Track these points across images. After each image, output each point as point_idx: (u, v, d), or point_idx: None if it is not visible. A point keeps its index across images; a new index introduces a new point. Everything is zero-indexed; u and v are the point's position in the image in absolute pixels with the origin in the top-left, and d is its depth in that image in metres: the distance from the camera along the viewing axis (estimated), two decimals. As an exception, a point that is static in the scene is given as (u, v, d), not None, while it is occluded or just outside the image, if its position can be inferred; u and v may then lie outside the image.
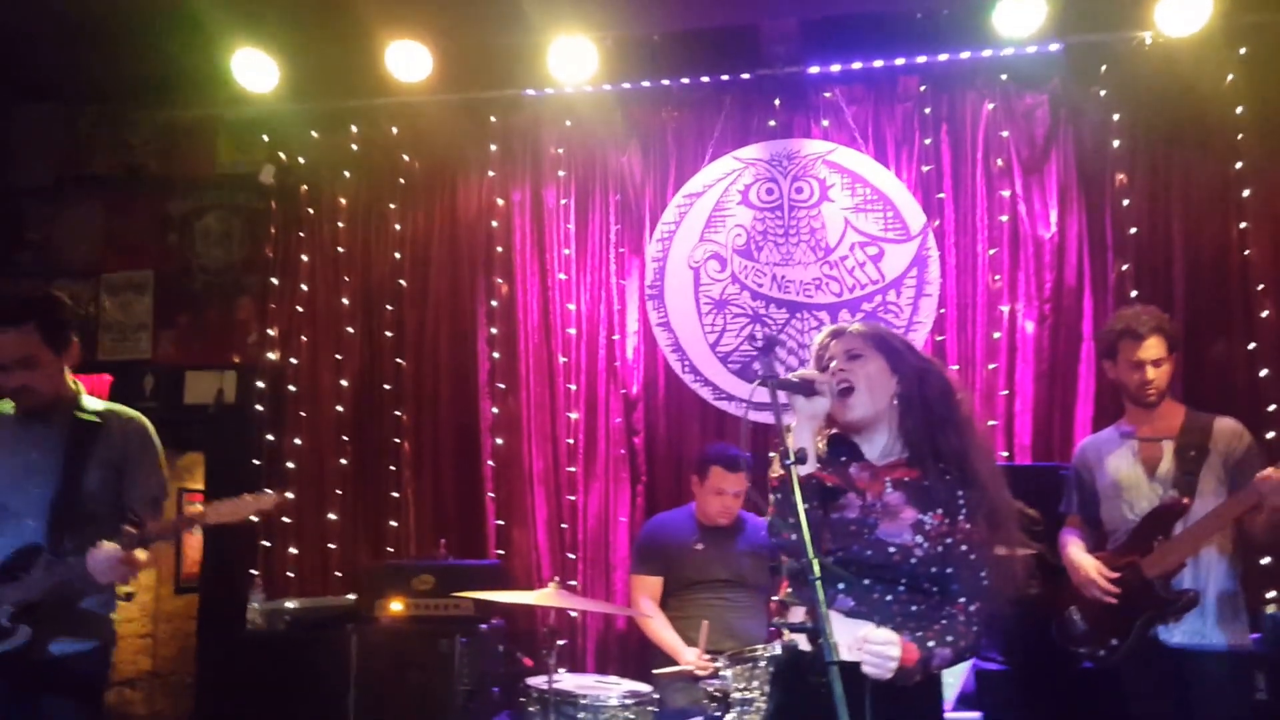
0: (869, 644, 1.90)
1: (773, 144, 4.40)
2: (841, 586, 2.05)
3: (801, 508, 1.94)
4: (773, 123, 4.43)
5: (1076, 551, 3.10)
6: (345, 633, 3.94)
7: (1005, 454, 4.08)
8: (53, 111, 5.02)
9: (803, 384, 2.12)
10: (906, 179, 4.33)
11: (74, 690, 2.76)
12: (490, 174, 4.64)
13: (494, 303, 4.59)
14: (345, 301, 4.71)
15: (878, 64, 4.37)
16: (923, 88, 4.37)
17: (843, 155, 4.34)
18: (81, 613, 2.77)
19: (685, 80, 4.46)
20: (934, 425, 2.11)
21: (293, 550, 4.59)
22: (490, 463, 4.49)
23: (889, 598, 2.05)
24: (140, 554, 2.70)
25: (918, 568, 2.04)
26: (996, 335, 4.18)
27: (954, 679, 3.42)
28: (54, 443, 2.79)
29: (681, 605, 3.79)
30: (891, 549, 2.04)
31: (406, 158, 4.72)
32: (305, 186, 4.79)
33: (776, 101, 4.44)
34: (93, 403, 2.90)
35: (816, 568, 1.91)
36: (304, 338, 4.73)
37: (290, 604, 4.30)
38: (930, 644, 1.96)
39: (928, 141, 4.34)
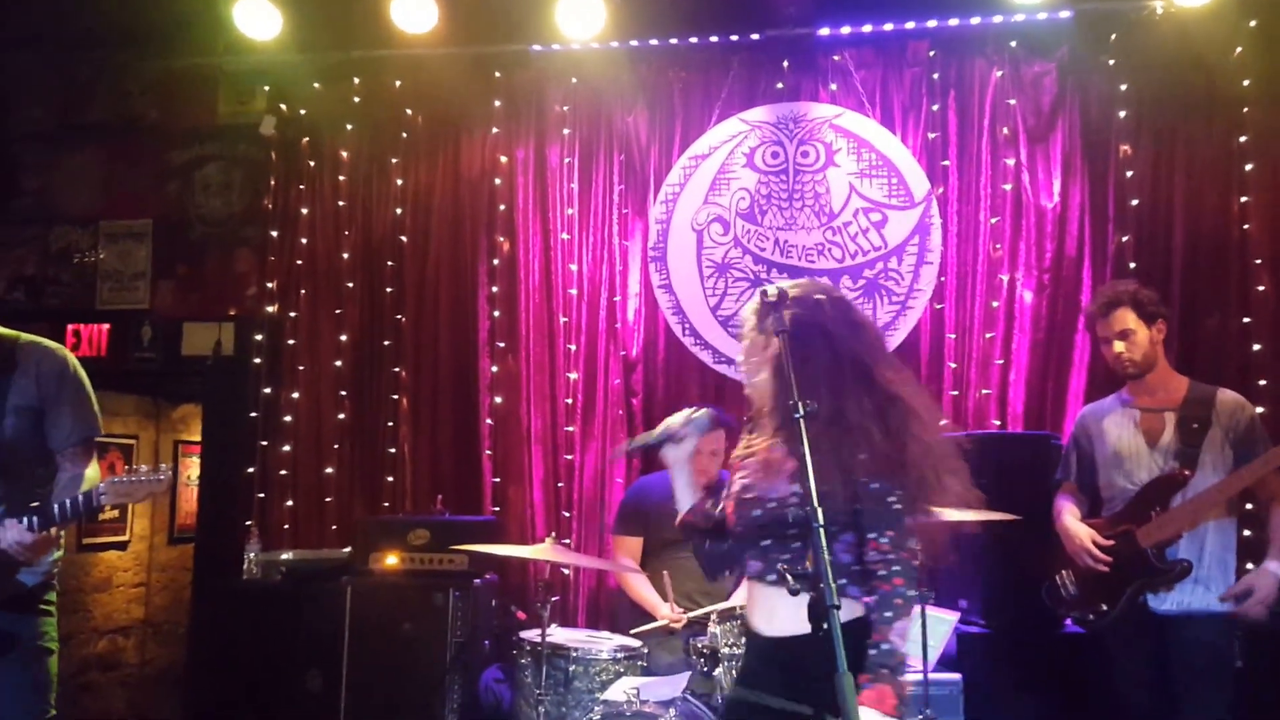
0: None
1: (779, 107, 4.34)
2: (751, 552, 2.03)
3: (809, 459, 1.88)
4: (780, 85, 4.37)
5: (1070, 519, 3.11)
6: (340, 585, 3.94)
7: (998, 422, 4.08)
8: (51, 58, 4.91)
9: (664, 437, 2.15)
10: (912, 145, 4.28)
11: (15, 661, 2.61)
12: (494, 130, 4.57)
13: (495, 261, 4.54)
14: (345, 256, 4.65)
15: (888, 27, 4.32)
16: (932, 53, 4.32)
17: (849, 120, 4.29)
18: (15, 583, 2.60)
19: (693, 40, 4.39)
20: (811, 365, 1.95)
21: (289, 503, 4.57)
22: (488, 421, 4.47)
23: (787, 556, 1.98)
24: (51, 532, 2.53)
25: (769, 518, 1.99)
26: (995, 304, 4.16)
27: (935, 641, 3.45)
28: None
29: (661, 564, 3.78)
30: (772, 503, 2.00)
31: (409, 112, 4.64)
32: (306, 139, 4.71)
33: (785, 64, 4.38)
34: (8, 341, 2.69)
35: (820, 515, 1.88)
36: (303, 291, 4.68)
37: (286, 555, 4.31)
38: (881, 660, 1.85)
39: (935, 108, 4.29)
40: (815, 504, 1.82)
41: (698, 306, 4.29)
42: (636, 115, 4.48)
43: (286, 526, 4.55)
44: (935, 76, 4.31)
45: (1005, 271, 4.17)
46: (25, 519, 2.46)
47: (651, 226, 4.40)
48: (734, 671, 3.03)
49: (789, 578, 1.84)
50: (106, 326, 4.79)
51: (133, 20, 4.57)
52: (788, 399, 1.83)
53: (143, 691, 5.44)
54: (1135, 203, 4.10)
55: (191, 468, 5.71)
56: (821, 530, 1.78)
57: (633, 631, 3.56)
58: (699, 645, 3.29)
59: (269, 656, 3.98)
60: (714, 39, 4.40)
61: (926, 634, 3.19)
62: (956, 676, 3.29)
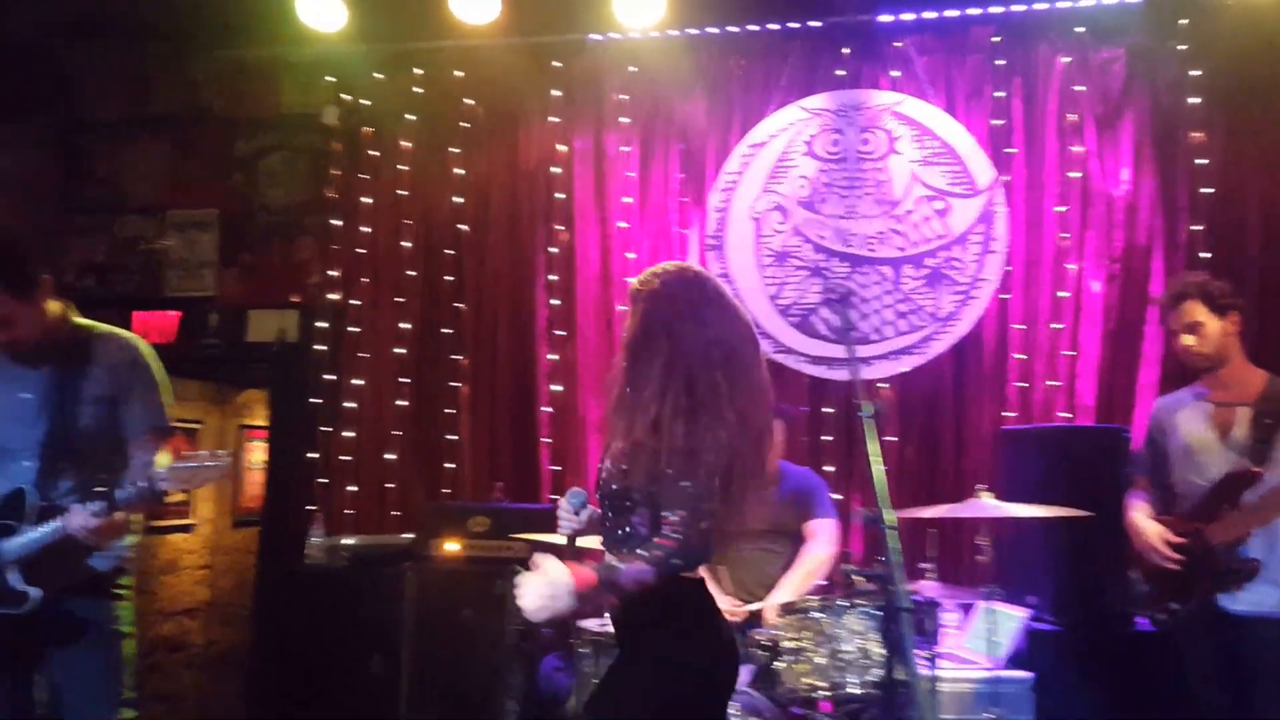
0: (525, 580, 1.91)
1: (840, 94, 4.29)
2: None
3: (878, 456, 1.89)
4: (841, 72, 4.32)
5: (1140, 517, 3.04)
6: (401, 570, 3.98)
7: (1067, 415, 4.02)
8: (118, 49, 4.97)
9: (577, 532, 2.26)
10: (976, 132, 4.20)
11: (90, 645, 2.67)
12: (552, 120, 4.56)
13: (553, 250, 4.54)
14: (406, 244, 4.68)
15: (951, 14, 4.23)
16: (996, 39, 4.23)
17: (911, 107, 4.23)
18: (88, 568, 2.65)
19: (753, 27, 4.33)
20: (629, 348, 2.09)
21: (351, 488, 4.63)
22: (547, 409, 4.48)
23: (605, 524, 2.13)
24: (119, 516, 2.56)
25: (606, 488, 2.09)
26: (1063, 294, 4.08)
27: (1004, 638, 3.40)
28: (43, 381, 2.67)
29: (719, 554, 3.81)
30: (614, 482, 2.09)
31: (469, 102, 4.65)
32: (368, 128, 4.75)
33: (845, 50, 4.32)
34: (83, 332, 2.73)
35: (888, 516, 1.89)
36: (365, 279, 4.72)
37: (348, 541, 4.35)
38: (611, 562, 1.96)
39: (999, 94, 4.21)
40: (884, 504, 1.84)
41: (757, 295, 4.26)
42: (695, 103, 4.44)
43: (348, 512, 4.60)
44: (999, 63, 4.23)
45: (1073, 261, 4.09)
46: (91, 504, 2.50)
47: (710, 215, 4.37)
48: (796, 666, 3.02)
49: None
50: (175, 313, 4.84)
51: (199, 12, 4.60)
52: (626, 386, 2.03)
53: (208, 672, 5.54)
54: (1208, 191, 3.99)
55: (255, 452, 5.80)
56: (894, 534, 1.79)
57: None
58: (759, 638, 3.28)
59: (331, 640, 4.02)
60: (773, 26, 4.35)
61: (994, 630, 3.15)
62: (1027, 674, 3.25)
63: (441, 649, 3.87)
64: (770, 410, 2.16)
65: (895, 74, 4.30)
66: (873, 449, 1.99)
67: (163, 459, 2.69)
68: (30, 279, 2.59)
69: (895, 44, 4.30)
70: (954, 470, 4.10)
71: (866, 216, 4.22)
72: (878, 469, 2.15)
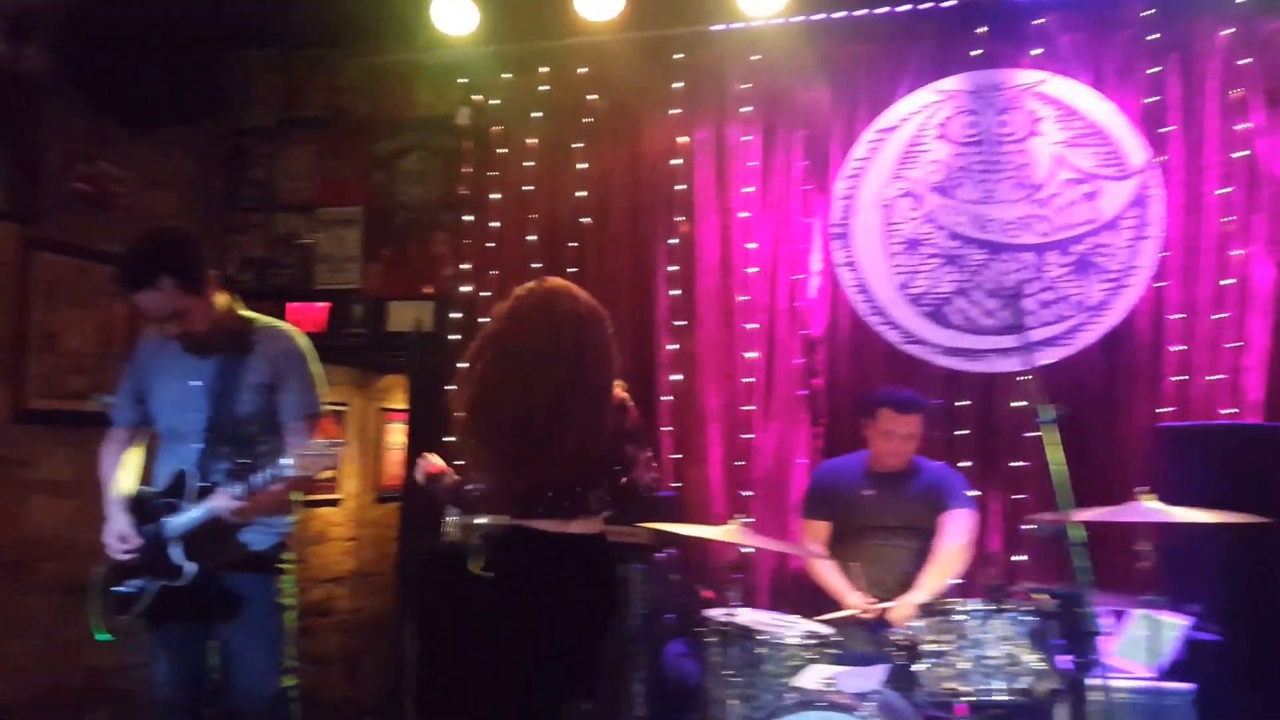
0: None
1: (976, 75, 3.75)
2: None
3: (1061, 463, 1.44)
4: (976, 52, 3.78)
5: None
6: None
7: (1231, 411, 3.36)
8: (272, 57, 4.94)
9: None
10: (1127, 111, 3.60)
11: (255, 617, 2.66)
12: (674, 111, 4.22)
13: (674, 240, 4.20)
14: (532, 238, 4.43)
15: (1097, -13, 3.59)
16: (1148, 12, 3.60)
17: (1055, 86, 3.65)
18: (244, 547, 2.64)
19: (881, 10, 3.85)
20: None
21: (482, 471, 4.35)
22: (667, 397, 4.14)
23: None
24: (263, 497, 2.54)
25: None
26: (1226, 282, 3.43)
27: (1163, 647, 2.83)
28: (209, 369, 2.68)
29: (849, 551, 3.42)
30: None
31: (593, 97, 4.36)
32: (497, 127, 4.53)
33: (981, 30, 3.78)
34: (247, 324, 2.75)
35: (1074, 532, 1.44)
36: (494, 272, 4.49)
37: (480, 520, 4.08)
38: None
39: (1152, 70, 3.57)
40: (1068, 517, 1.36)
41: (884, 284, 3.77)
42: (820, 90, 4.01)
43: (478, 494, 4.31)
44: (1152, 37, 3.60)
45: (1238, 247, 3.45)
46: (236, 486, 2.51)
47: (834, 203, 3.92)
48: (937, 669, 2.61)
49: None
50: (325, 305, 4.75)
51: (343, 19, 4.47)
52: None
53: (353, 636, 5.53)
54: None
55: (394, 433, 5.74)
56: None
57: (820, 618, 3.19)
58: (898, 637, 2.87)
59: (466, 613, 3.77)
60: (903, 8, 3.83)
61: (1153, 639, 2.70)
62: (1188, 686, 2.75)
63: None
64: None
65: (1036, 52, 3.74)
66: (1054, 456, 1.50)
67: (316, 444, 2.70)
68: (201, 276, 2.62)
69: (1037, 21, 3.73)
70: (1103, 469, 3.52)
71: (1006, 201, 3.65)
72: (1060, 479, 1.63)
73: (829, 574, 3.36)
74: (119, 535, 2.63)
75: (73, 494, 3.98)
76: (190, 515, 2.55)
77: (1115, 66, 3.64)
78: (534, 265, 4.39)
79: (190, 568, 2.55)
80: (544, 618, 2.38)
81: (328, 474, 5.32)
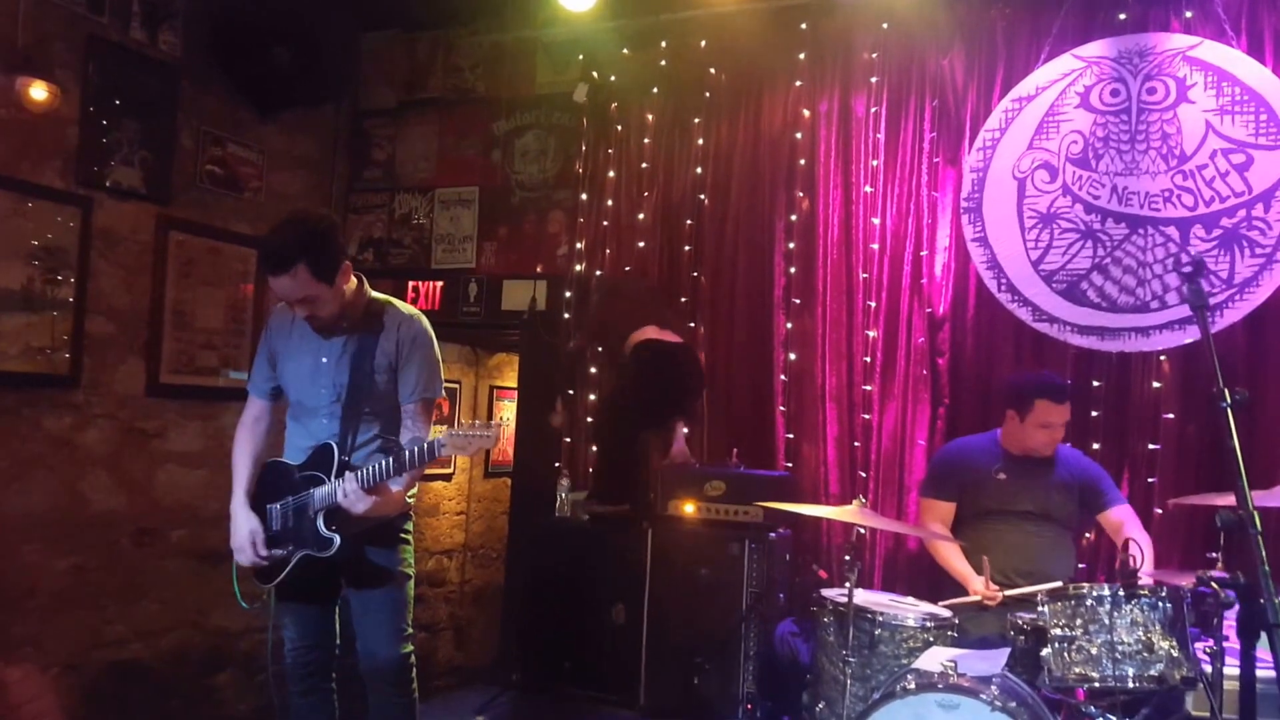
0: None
1: (1122, 39, 3.73)
2: None
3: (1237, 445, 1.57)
4: (1123, 16, 3.76)
5: None
6: (642, 529, 3.94)
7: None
8: (394, 38, 5.22)
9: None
10: (1285, 77, 3.53)
11: (381, 586, 2.85)
12: (797, 84, 4.32)
13: (793, 217, 4.30)
14: (643, 216, 4.60)
15: (1258, -58, 3.56)
16: (1312, -31, 3.52)
17: (1208, 50, 3.61)
18: (378, 518, 2.78)
19: None
20: None
21: (593, 448, 4.60)
22: (782, 377, 4.27)
23: None
24: (392, 488, 2.68)
25: None
26: (1399, 258, 3.33)
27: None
28: (339, 350, 2.83)
29: (976, 534, 3.48)
30: None
31: (713, 71, 4.50)
32: (615, 104, 4.71)
33: (1129, -9, 3.76)
34: (376, 305, 2.89)
35: (1258, 520, 1.56)
36: (608, 250, 4.69)
37: (587, 496, 4.36)
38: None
39: (1314, 32, 3.50)
40: (1251, 508, 1.53)
41: (1017, 260, 3.81)
42: (953, 58, 4.04)
43: (591, 470, 4.58)
44: None
45: None
46: (359, 475, 2.64)
47: (965, 176, 3.96)
48: (1065, 654, 2.70)
49: None
50: (440, 284, 5.04)
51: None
52: None
53: (462, 606, 5.83)
54: None
55: (504, 410, 6.01)
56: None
57: (943, 603, 3.28)
58: (1022, 622, 2.96)
59: (577, 587, 4.06)
60: (1045, -29, 3.82)
61: None
62: None
63: (680, 604, 3.81)
64: None
65: (1189, 15, 3.70)
66: (1236, 444, 1.65)
67: (427, 433, 2.82)
68: (336, 265, 2.72)
69: None
70: (1246, 452, 3.43)
71: (1150, 173, 3.65)
72: (1240, 468, 1.77)
73: (953, 557, 3.41)
74: (251, 540, 2.78)
75: (201, 464, 4.34)
76: (331, 489, 2.69)
77: (1274, 28, 3.58)
78: (648, 244, 4.61)
79: (338, 539, 2.68)
80: None
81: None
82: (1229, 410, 1.56)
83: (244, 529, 2.81)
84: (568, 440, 4.67)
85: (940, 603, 3.29)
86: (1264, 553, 1.47)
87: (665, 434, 4.19)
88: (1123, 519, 3.38)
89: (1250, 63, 3.56)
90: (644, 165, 4.63)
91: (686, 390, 4.28)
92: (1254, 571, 1.58)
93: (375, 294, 2.91)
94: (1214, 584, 1.73)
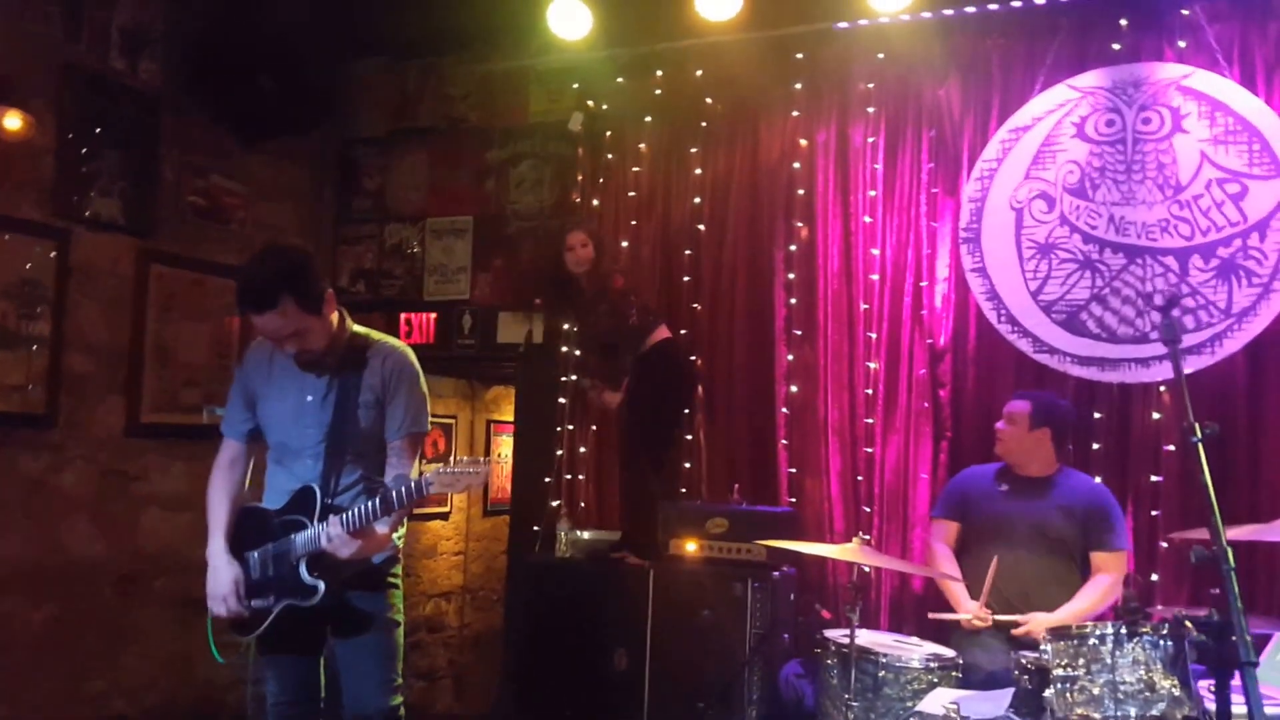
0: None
1: (1116, 69, 3.92)
2: None
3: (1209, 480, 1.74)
4: (1117, 45, 3.95)
5: None
6: (643, 568, 4.04)
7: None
8: (383, 66, 5.34)
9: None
10: (1277, 108, 3.72)
11: (368, 634, 2.84)
12: (794, 114, 4.48)
13: (793, 247, 4.46)
14: (644, 247, 4.75)
15: (1248, -26, 3.77)
16: (1305, -1, 3.73)
17: (1202, 80, 3.80)
18: (364, 562, 2.77)
19: (1016, 3, 4.03)
20: None
21: (591, 485, 4.75)
22: (784, 410, 4.40)
23: None
24: (378, 529, 2.66)
25: None
26: (1395, 288, 3.53)
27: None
28: (324, 387, 2.81)
29: (974, 558, 3.62)
30: None
31: (709, 100, 4.66)
32: (610, 133, 4.85)
33: (1122, 22, 3.94)
34: (359, 340, 2.88)
35: (1230, 556, 1.73)
36: (606, 280, 4.83)
37: (586, 535, 4.45)
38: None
39: (1310, 61, 3.70)
40: (1224, 544, 1.69)
41: (1016, 291, 3.99)
42: (949, 88, 4.22)
43: (583, 505, 4.71)
44: None
45: None
46: (344, 518, 2.61)
47: (964, 206, 4.14)
48: (1068, 694, 2.81)
49: None
50: (433, 315, 5.15)
51: (454, 27, 4.85)
52: None
53: (462, 652, 5.88)
54: None
55: (502, 445, 6.13)
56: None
57: (930, 615, 3.47)
58: (1026, 661, 3.10)
59: (577, 632, 4.13)
60: (1039, 1, 4.03)
61: None
62: None
63: (683, 647, 3.89)
64: None
65: (1182, 44, 3.88)
66: (1204, 477, 1.81)
67: (414, 471, 2.83)
68: (321, 295, 2.73)
69: (1182, 12, 3.87)
70: (1247, 484, 3.65)
71: (1147, 203, 3.83)
72: (1211, 496, 1.95)
73: (949, 574, 3.56)
74: (232, 591, 2.73)
75: (186, 508, 4.25)
76: (314, 534, 2.66)
77: (1266, 59, 3.75)
78: (647, 274, 4.78)
79: (322, 587, 2.65)
80: None
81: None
82: (1199, 445, 1.71)
83: (226, 577, 2.76)
84: (569, 477, 4.81)
85: (929, 614, 3.46)
86: (1236, 589, 1.63)
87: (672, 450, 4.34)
88: (1098, 567, 3.45)
89: (1243, 93, 3.74)
90: (638, 194, 4.77)
91: (691, 391, 4.43)
92: (1234, 609, 1.73)
93: (357, 327, 2.90)
94: (1187, 622, 1.89)
